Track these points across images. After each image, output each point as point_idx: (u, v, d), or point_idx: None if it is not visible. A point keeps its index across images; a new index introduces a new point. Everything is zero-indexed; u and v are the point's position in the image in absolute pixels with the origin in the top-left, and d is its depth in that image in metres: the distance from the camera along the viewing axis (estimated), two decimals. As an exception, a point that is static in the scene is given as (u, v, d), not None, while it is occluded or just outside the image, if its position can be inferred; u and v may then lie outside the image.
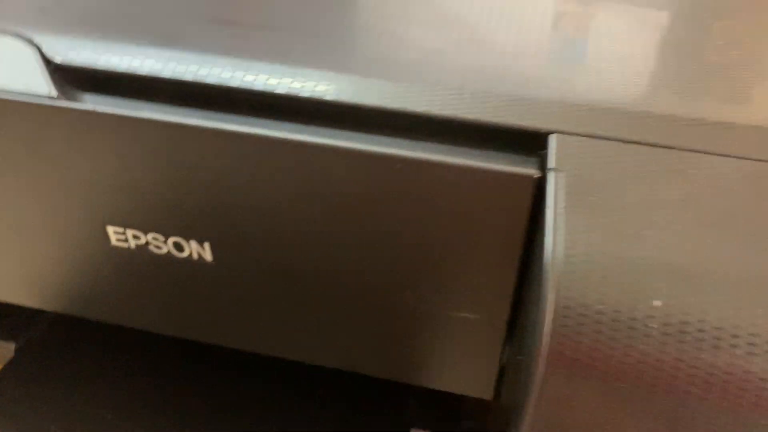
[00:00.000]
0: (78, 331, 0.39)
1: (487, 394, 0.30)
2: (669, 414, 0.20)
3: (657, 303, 0.19)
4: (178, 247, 0.28)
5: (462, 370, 0.29)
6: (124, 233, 0.29)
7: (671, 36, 0.30)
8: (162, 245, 0.28)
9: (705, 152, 0.23)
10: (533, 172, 0.22)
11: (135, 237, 0.29)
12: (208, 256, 0.28)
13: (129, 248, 0.29)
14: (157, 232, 0.28)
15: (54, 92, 0.26)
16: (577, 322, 0.20)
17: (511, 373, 0.27)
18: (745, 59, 0.28)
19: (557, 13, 0.32)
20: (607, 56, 0.28)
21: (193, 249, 0.28)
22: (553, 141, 0.23)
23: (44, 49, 0.27)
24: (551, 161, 0.22)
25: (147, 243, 0.29)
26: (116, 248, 0.29)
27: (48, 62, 0.27)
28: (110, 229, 0.29)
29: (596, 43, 0.30)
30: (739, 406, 0.19)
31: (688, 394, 0.20)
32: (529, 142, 0.24)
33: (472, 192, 0.23)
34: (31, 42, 0.27)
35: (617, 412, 0.21)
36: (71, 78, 0.27)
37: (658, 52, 0.29)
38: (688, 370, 0.19)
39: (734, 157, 0.23)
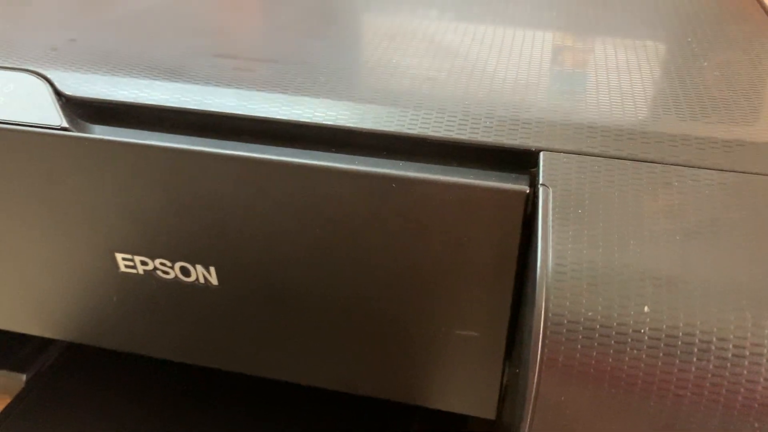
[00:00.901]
0: (88, 361, 0.40)
1: (489, 414, 0.31)
2: (662, 418, 0.21)
3: (646, 309, 0.20)
4: (185, 271, 0.29)
5: (464, 390, 0.30)
6: (132, 259, 0.30)
7: (654, 59, 0.32)
8: (169, 270, 0.29)
9: (688, 165, 0.24)
10: (524, 188, 0.23)
11: (143, 263, 0.29)
12: (213, 280, 0.29)
13: (137, 274, 0.30)
14: (164, 257, 0.29)
15: (65, 123, 0.27)
16: (569, 329, 0.20)
17: (512, 390, 0.28)
18: (726, 79, 0.30)
19: (546, 45, 0.33)
20: (593, 80, 0.30)
21: (199, 273, 0.29)
22: (542, 158, 0.24)
23: (56, 84, 0.29)
24: (541, 177, 0.23)
25: (155, 268, 0.30)
26: (125, 274, 0.30)
27: (59, 96, 0.28)
28: (119, 256, 0.30)
29: (582, 70, 0.31)
30: (730, 408, 0.20)
31: (679, 397, 0.20)
32: (520, 161, 0.25)
33: (468, 209, 0.24)
34: (43, 78, 0.29)
35: (612, 418, 0.21)
36: (81, 110, 0.28)
37: (640, 76, 0.30)
38: (679, 374, 0.20)
39: (716, 169, 0.24)
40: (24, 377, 0.39)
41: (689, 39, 0.34)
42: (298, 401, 0.38)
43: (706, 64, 0.31)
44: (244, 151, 0.25)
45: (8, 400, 0.38)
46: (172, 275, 0.29)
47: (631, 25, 0.36)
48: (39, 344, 0.41)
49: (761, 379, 0.20)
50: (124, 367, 0.39)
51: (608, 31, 0.35)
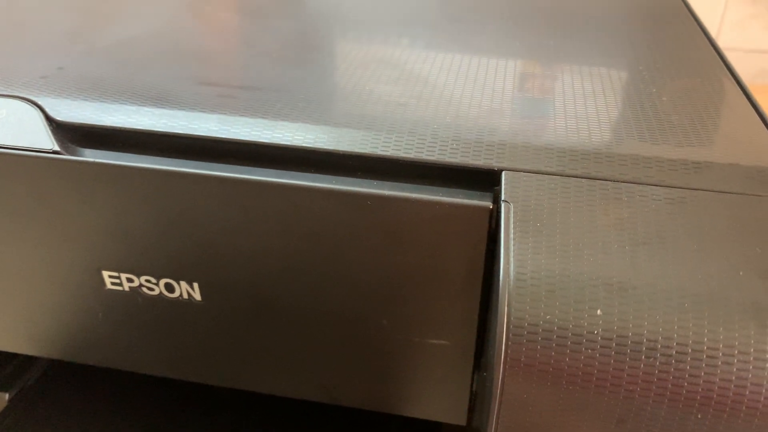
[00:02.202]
0: (70, 379, 0.41)
1: (460, 420, 0.32)
2: (616, 412, 0.23)
3: (599, 312, 0.22)
4: (169, 288, 0.31)
5: (435, 397, 0.31)
6: (118, 277, 0.31)
7: (608, 86, 0.34)
8: (154, 287, 0.31)
9: (636, 182, 0.26)
10: (488, 204, 0.25)
11: (129, 280, 0.31)
12: (197, 295, 0.31)
13: (123, 291, 0.31)
14: (149, 274, 0.30)
15: (56, 147, 0.28)
16: (529, 331, 0.22)
17: (480, 395, 0.29)
18: (673, 104, 0.32)
19: (509, 73, 0.36)
20: (551, 106, 0.32)
21: (183, 289, 0.30)
22: (504, 177, 0.26)
23: (46, 110, 0.30)
24: (503, 194, 0.25)
25: (140, 285, 0.31)
26: (111, 291, 0.31)
27: (50, 121, 0.30)
28: (105, 274, 0.31)
29: (541, 96, 0.33)
30: (675, 402, 0.22)
31: (630, 392, 0.22)
32: (484, 179, 0.27)
33: (437, 223, 0.26)
34: (34, 104, 0.30)
35: (571, 414, 0.23)
36: (71, 135, 0.29)
37: (595, 101, 0.32)
38: (629, 371, 0.22)
39: (662, 186, 0.26)
40: (6, 396, 0.40)
41: (641, 67, 0.36)
42: (281, 410, 0.39)
43: (655, 90, 0.34)
44: (228, 172, 0.27)
45: (-9, 419, 0.39)
46: (156, 291, 0.31)
47: (588, 54, 0.38)
48: (21, 363, 0.41)
49: (702, 374, 0.22)
50: (107, 384, 0.40)
51: (567, 59, 0.37)
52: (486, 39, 0.40)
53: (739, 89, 0.34)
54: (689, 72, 0.36)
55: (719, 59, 0.38)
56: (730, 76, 0.36)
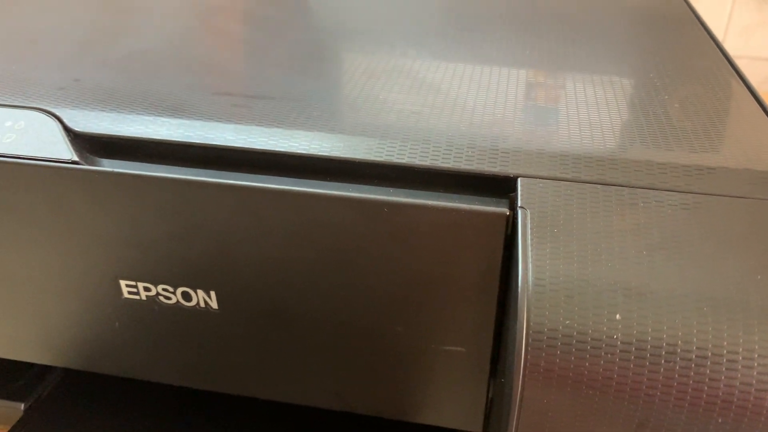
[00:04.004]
0: (85, 389, 0.41)
1: (476, 427, 0.32)
2: (636, 417, 0.23)
3: (618, 317, 0.22)
4: (186, 296, 0.31)
5: (451, 405, 0.31)
6: (135, 286, 0.31)
7: (620, 93, 0.34)
8: (171, 296, 0.31)
9: (652, 188, 0.26)
10: (505, 210, 0.25)
11: (146, 289, 0.31)
12: (214, 304, 0.31)
13: (140, 300, 0.31)
14: (166, 283, 0.31)
15: (75, 157, 0.29)
16: (549, 336, 0.22)
17: (497, 402, 0.29)
18: (684, 111, 0.32)
19: (522, 81, 0.36)
20: (564, 113, 0.32)
21: (200, 298, 0.31)
22: (520, 184, 0.26)
23: (65, 121, 0.30)
24: (519, 201, 0.25)
25: (157, 294, 0.31)
26: (128, 300, 0.32)
27: (68, 132, 0.30)
28: (122, 283, 0.31)
29: (554, 104, 0.33)
30: (696, 406, 0.22)
31: (650, 397, 0.22)
32: (500, 186, 0.27)
33: (453, 230, 0.26)
34: (53, 115, 0.31)
35: (591, 419, 0.23)
36: (89, 145, 0.30)
37: (608, 108, 0.33)
38: (649, 375, 0.22)
39: (677, 191, 0.26)
40: (22, 406, 0.40)
41: (652, 74, 0.37)
42: (297, 420, 0.39)
43: (666, 96, 0.34)
44: (244, 181, 0.27)
45: (6, 430, 0.39)
46: (173, 300, 0.31)
47: (598, 62, 0.38)
48: (37, 373, 0.42)
49: (723, 377, 0.22)
50: (123, 394, 0.40)
51: (578, 67, 0.37)
52: (497, 47, 0.41)
53: (750, 94, 0.35)
54: (699, 78, 0.36)
55: (728, 65, 0.38)
56: (740, 81, 0.36)
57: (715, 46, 0.41)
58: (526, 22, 0.46)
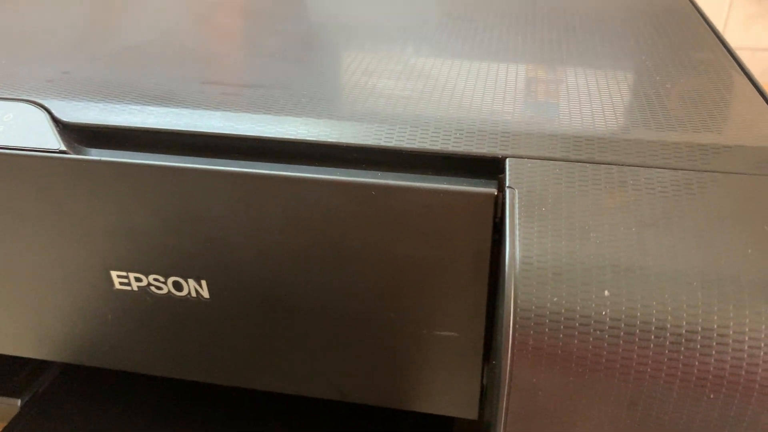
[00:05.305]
0: (82, 385, 0.41)
1: (472, 414, 0.32)
2: (627, 395, 0.22)
3: (606, 293, 0.22)
4: (177, 286, 0.31)
5: (446, 392, 0.31)
6: (127, 276, 0.31)
7: (611, 75, 0.34)
8: (162, 285, 0.31)
9: (642, 166, 0.26)
10: (493, 190, 0.25)
11: (137, 279, 0.31)
12: (205, 293, 0.31)
13: (131, 291, 0.31)
14: (157, 273, 0.31)
15: (63, 147, 0.29)
16: (536, 314, 0.22)
17: (491, 386, 0.29)
18: (676, 91, 0.32)
19: (511, 65, 0.36)
20: (554, 94, 0.32)
21: (191, 287, 0.31)
22: (508, 164, 0.26)
23: (53, 112, 0.30)
24: (508, 181, 0.25)
25: (148, 284, 0.31)
26: (120, 292, 0.31)
27: (57, 122, 0.30)
28: (114, 274, 0.31)
29: (544, 86, 0.33)
30: (687, 382, 0.22)
31: (641, 375, 0.22)
32: (488, 167, 0.27)
33: (443, 212, 0.26)
34: (41, 106, 0.31)
35: (581, 397, 0.23)
36: (77, 135, 0.30)
37: (598, 90, 0.32)
38: (639, 352, 0.22)
39: (669, 168, 0.26)
40: (18, 402, 0.40)
41: (644, 58, 0.36)
42: (293, 411, 0.39)
43: (658, 78, 0.33)
44: (233, 167, 0.27)
45: (3, 426, 0.39)
46: (165, 290, 0.31)
47: (591, 46, 0.38)
48: (33, 369, 0.42)
49: (713, 353, 0.21)
50: (119, 390, 0.40)
51: (572, 53, 0.37)
52: (489, 35, 0.40)
53: (747, 79, 0.34)
54: (696, 66, 0.36)
55: (727, 53, 0.38)
56: (738, 68, 0.36)
57: (715, 37, 0.41)
58: (522, 13, 0.45)
